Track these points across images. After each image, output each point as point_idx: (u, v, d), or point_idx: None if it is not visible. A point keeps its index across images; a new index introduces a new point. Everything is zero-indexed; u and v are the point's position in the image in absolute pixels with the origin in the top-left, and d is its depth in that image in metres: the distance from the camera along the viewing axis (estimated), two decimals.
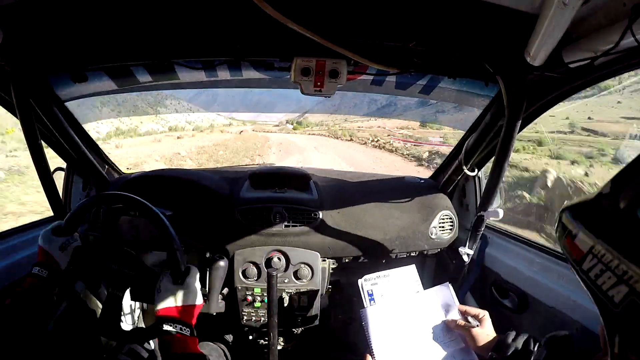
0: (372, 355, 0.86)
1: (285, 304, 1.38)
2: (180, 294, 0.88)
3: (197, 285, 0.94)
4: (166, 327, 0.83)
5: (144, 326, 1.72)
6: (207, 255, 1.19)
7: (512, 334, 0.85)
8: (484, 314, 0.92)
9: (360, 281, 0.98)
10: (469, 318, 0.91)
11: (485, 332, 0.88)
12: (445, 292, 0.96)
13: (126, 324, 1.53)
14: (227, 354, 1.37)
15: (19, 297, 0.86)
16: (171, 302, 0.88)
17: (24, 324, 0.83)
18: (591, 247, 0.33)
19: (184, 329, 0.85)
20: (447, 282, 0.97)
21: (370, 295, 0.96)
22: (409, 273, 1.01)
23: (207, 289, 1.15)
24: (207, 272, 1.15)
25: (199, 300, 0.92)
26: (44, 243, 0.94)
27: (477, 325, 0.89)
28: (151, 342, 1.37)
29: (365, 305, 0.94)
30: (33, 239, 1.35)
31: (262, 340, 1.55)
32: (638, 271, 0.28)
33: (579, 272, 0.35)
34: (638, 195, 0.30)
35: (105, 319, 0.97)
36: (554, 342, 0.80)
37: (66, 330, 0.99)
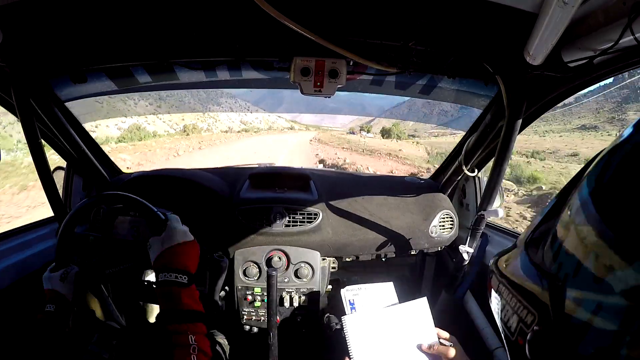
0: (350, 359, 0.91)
1: (286, 304, 1.38)
2: (166, 239, 0.84)
3: (182, 226, 0.89)
4: (161, 278, 0.77)
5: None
6: (208, 255, 1.19)
7: None
8: (452, 337, 0.95)
9: (342, 291, 1.03)
10: (441, 340, 0.95)
11: (458, 355, 0.91)
12: (421, 306, 1.00)
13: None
14: (227, 352, 1.37)
15: (32, 330, 0.87)
16: (159, 248, 0.82)
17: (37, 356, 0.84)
18: (498, 284, 0.37)
19: (180, 277, 0.78)
20: (425, 297, 1.01)
21: (352, 304, 1.01)
22: (387, 289, 1.06)
23: (207, 288, 1.15)
24: (208, 272, 1.15)
25: (189, 237, 0.86)
26: (46, 284, 0.95)
27: (451, 345, 0.92)
28: None
29: (346, 313, 0.98)
30: (34, 240, 1.36)
31: (261, 340, 1.55)
32: (523, 299, 0.31)
33: (491, 308, 0.39)
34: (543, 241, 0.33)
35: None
36: None
37: (66, 330, 1.00)
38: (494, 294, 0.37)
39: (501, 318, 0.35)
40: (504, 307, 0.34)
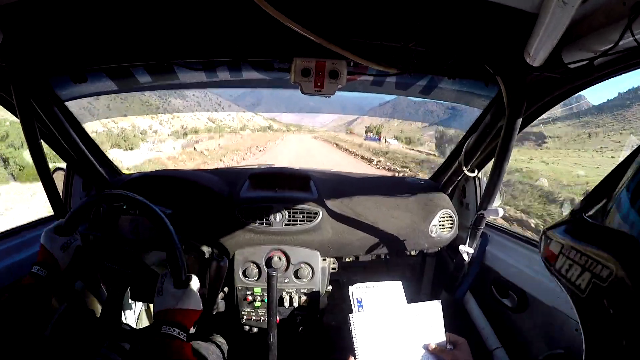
0: (355, 358, 0.89)
1: (286, 304, 1.38)
2: (182, 297, 0.87)
3: (197, 292, 0.93)
4: (164, 330, 0.81)
5: (147, 323, 1.72)
6: (207, 255, 1.19)
7: None
8: (463, 341, 0.94)
9: (350, 288, 1.01)
10: (448, 344, 0.94)
11: (463, 358, 0.90)
12: (434, 310, 0.98)
13: (128, 322, 1.53)
14: (225, 353, 1.37)
15: (15, 295, 0.84)
16: (172, 304, 0.85)
17: (20, 323, 0.81)
18: (561, 247, 0.39)
19: (182, 334, 0.82)
20: (439, 300, 0.99)
21: (359, 302, 1.00)
22: (395, 288, 1.05)
23: (207, 288, 1.15)
24: (207, 272, 1.15)
25: (200, 306, 0.90)
26: (46, 242, 0.92)
27: (451, 349, 0.91)
28: None
29: (353, 311, 0.97)
30: (34, 239, 1.35)
31: (261, 340, 1.55)
32: (596, 257, 0.33)
33: (553, 271, 0.40)
34: (602, 207, 0.37)
35: (106, 317, 0.97)
36: None
37: (65, 330, 1.00)
38: (560, 257, 0.40)
39: (567, 278, 0.37)
40: (570, 268, 0.37)
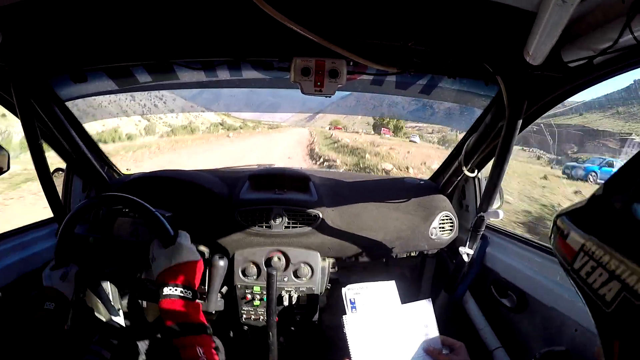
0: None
1: (285, 303, 1.38)
2: (174, 254, 0.85)
3: (190, 244, 0.90)
4: (166, 292, 0.78)
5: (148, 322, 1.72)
6: (207, 255, 1.19)
7: None
8: (460, 345, 0.93)
9: (343, 289, 1.01)
10: (443, 347, 0.93)
11: None
12: (425, 308, 0.98)
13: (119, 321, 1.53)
14: (223, 353, 1.37)
15: (29, 330, 0.87)
16: (166, 264, 0.83)
17: (35, 353, 0.84)
18: (582, 245, 0.32)
19: (186, 292, 0.80)
20: (429, 299, 0.99)
21: (353, 303, 0.99)
22: (389, 288, 1.04)
23: (206, 288, 1.15)
24: (207, 272, 1.15)
25: (196, 257, 0.88)
26: (46, 282, 0.96)
27: (447, 353, 0.91)
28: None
29: (347, 312, 0.97)
30: (34, 240, 1.35)
31: (261, 339, 1.55)
32: (631, 265, 0.26)
33: (570, 272, 0.34)
34: (634, 192, 0.29)
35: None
36: (549, 357, 0.79)
37: (65, 328, 1.00)
38: (580, 256, 0.32)
39: (587, 284, 0.31)
40: (593, 272, 0.30)
